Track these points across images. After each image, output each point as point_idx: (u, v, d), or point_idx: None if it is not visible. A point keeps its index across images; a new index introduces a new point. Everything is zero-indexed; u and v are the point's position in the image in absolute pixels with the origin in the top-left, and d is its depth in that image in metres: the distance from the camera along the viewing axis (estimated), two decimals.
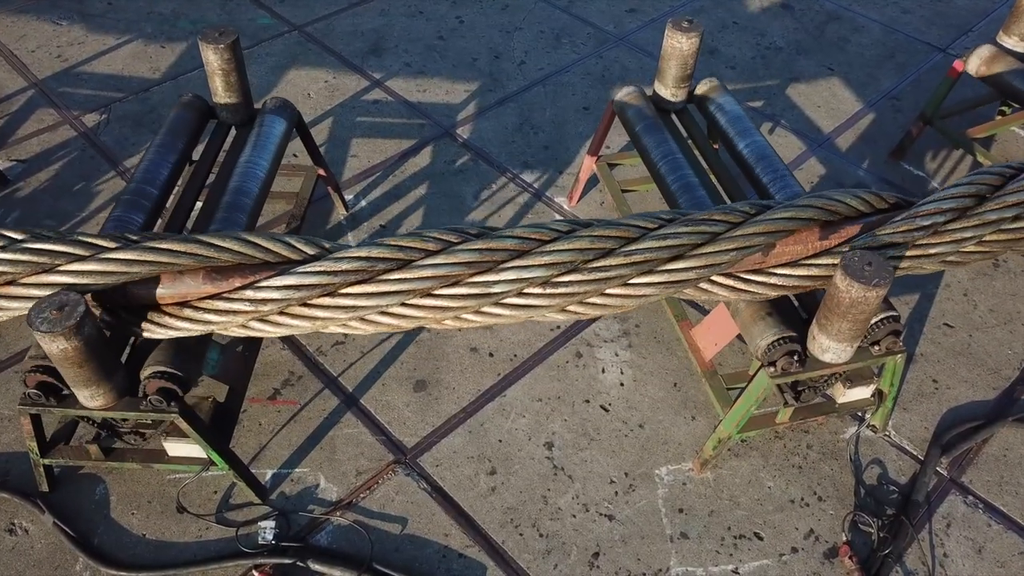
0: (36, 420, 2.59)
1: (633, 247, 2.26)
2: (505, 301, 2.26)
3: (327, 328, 2.27)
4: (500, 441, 3.03)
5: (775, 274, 2.42)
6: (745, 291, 2.41)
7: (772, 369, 2.59)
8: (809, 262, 2.42)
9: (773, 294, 2.43)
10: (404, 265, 2.23)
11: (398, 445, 3.01)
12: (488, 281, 2.22)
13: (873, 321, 2.64)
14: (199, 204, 3.19)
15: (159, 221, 2.97)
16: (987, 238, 2.46)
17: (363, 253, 2.22)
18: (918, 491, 2.88)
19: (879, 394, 2.93)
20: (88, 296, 2.25)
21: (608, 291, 2.28)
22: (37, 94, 4.48)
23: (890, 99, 4.66)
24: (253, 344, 3.03)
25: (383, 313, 2.25)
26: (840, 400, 2.90)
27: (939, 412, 3.16)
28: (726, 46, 5.02)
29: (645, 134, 3.31)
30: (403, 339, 3.35)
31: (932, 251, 2.42)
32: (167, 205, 3.13)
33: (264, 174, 3.05)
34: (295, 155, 4.15)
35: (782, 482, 2.93)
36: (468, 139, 4.30)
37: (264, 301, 2.21)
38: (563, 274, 2.23)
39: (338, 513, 2.80)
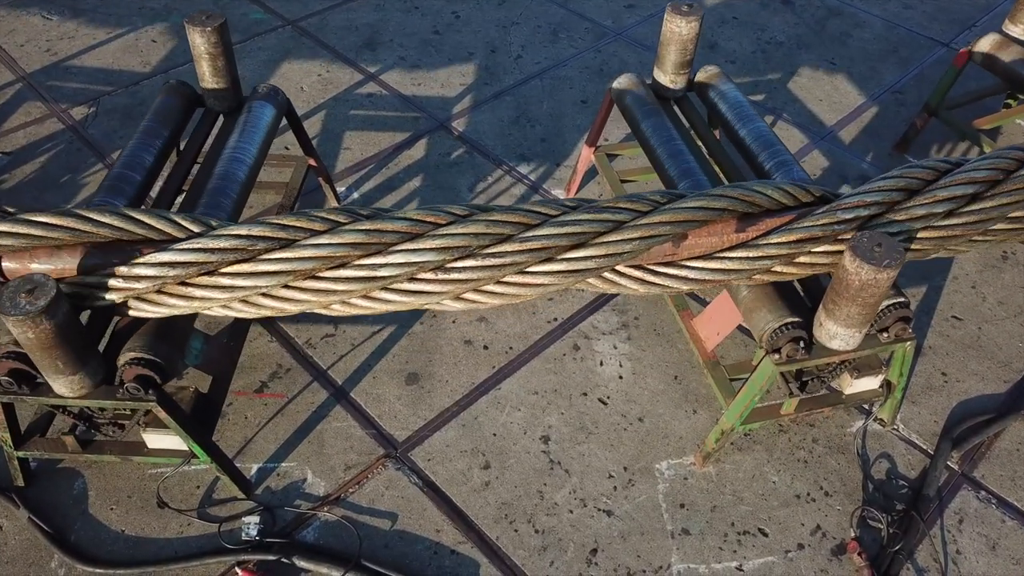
0: (9, 410, 2.48)
1: (531, 233, 2.15)
2: (395, 287, 2.16)
3: (209, 310, 2.18)
4: (494, 435, 2.93)
5: (688, 267, 2.29)
6: (656, 284, 2.28)
7: (777, 356, 2.49)
8: (724, 255, 2.28)
9: (685, 288, 2.30)
10: (287, 245, 2.13)
11: (389, 439, 2.90)
12: (375, 264, 2.12)
13: (881, 307, 2.55)
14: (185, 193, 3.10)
15: (142, 208, 2.87)
16: (919, 235, 2.35)
17: (243, 231, 2.12)
18: (929, 486, 2.77)
19: (887, 385, 2.83)
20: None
21: (506, 279, 2.18)
22: (25, 88, 4.40)
23: (893, 93, 4.58)
24: (239, 334, 2.93)
25: (266, 295, 2.15)
26: (847, 391, 2.80)
27: (949, 405, 3.06)
28: (726, 41, 4.94)
29: (644, 120, 3.22)
30: (395, 331, 3.25)
31: None
32: (151, 193, 3.05)
33: (251, 160, 2.96)
34: (287, 147, 4.06)
35: (787, 476, 2.83)
36: (463, 132, 4.22)
37: (138, 278, 2.12)
38: (457, 260, 2.13)
39: (325, 508, 2.69)
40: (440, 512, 2.70)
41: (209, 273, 2.13)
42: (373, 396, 3.03)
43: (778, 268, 2.33)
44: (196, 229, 2.19)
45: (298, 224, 2.16)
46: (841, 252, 2.32)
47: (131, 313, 2.21)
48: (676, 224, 2.22)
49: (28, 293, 2.04)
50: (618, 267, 2.27)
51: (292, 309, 2.18)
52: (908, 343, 2.60)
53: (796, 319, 2.48)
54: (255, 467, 2.80)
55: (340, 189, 3.85)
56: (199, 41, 3.06)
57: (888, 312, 2.54)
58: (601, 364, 3.16)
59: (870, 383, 2.78)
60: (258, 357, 3.14)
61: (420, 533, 2.65)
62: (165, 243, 2.17)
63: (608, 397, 3.05)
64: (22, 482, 2.68)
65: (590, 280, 2.27)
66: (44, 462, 2.77)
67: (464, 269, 2.14)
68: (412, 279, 2.15)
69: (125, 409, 2.50)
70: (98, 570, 2.51)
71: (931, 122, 4.06)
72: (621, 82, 3.42)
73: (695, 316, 3.03)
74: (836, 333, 2.44)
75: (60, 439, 2.58)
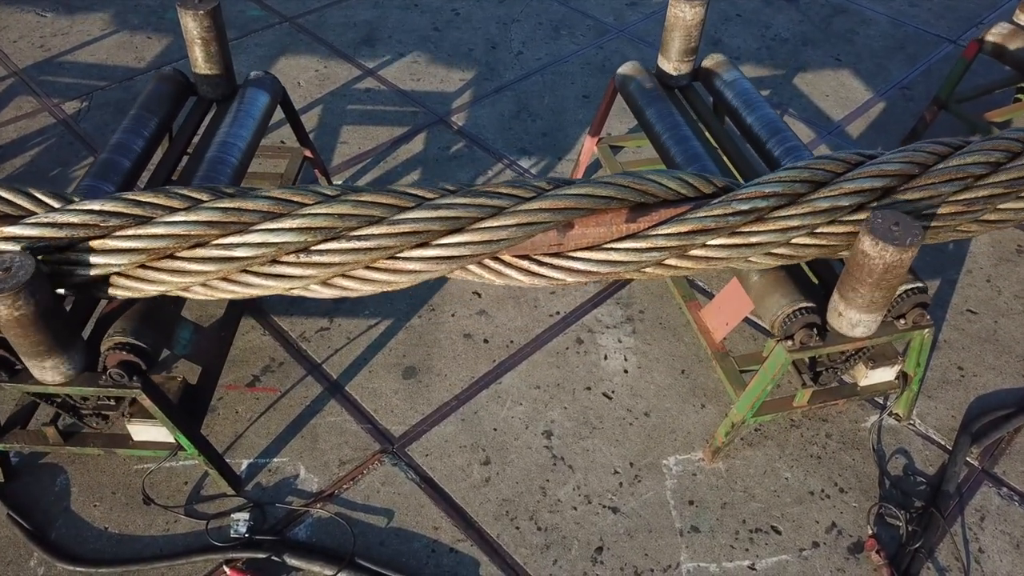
0: None
1: (403, 216, 2.04)
2: (257, 269, 2.05)
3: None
4: (495, 430, 2.81)
5: (575, 258, 2.16)
6: (542, 275, 2.16)
7: (790, 343, 2.38)
8: (612, 246, 2.15)
9: (570, 280, 2.17)
10: (143, 222, 2.03)
11: (385, 434, 2.79)
12: (231, 244, 2.01)
13: (898, 293, 2.44)
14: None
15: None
16: (822, 229, 2.22)
17: (95, 207, 2.02)
18: (948, 482, 2.65)
19: (903, 377, 2.72)
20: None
21: (377, 264, 2.07)
22: (17, 83, 4.32)
23: (901, 89, 4.50)
24: (230, 325, 2.82)
25: (120, 275, 2.05)
26: (862, 383, 2.69)
27: (966, 400, 2.95)
28: (730, 37, 4.87)
29: (648, 107, 3.13)
30: (392, 325, 3.14)
31: (754, 240, 2.17)
32: (141, 181, 2.96)
33: (244, 146, 2.87)
34: (283, 141, 3.98)
35: (800, 473, 2.71)
36: (463, 126, 4.13)
37: None
38: (322, 242, 2.03)
39: (318, 505, 2.58)
40: (438, 509, 2.59)
41: (61, 249, 2.03)
42: (369, 390, 2.92)
43: (671, 261, 2.18)
44: (55, 204, 2.08)
45: (155, 200, 2.05)
46: (738, 247, 2.19)
47: None
48: (558, 212, 2.09)
49: (5, 271, 1.94)
50: (503, 256, 2.16)
51: (150, 290, 2.07)
52: (926, 330, 2.50)
53: (810, 304, 2.38)
54: (245, 463, 2.69)
55: (337, 182, 3.75)
56: (192, 25, 2.98)
57: (905, 298, 2.44)
58: (605, 358, 3.05)
59: (886, 374, 2.67)
60: (250, 350, 3.03)
61: (417, 530, 2.53)
62: (17, 218, 2.06)
63: (613, 391, 2.94)
64: (1, 477, 2.57)
65: (472, 269, 2.15)
66: (25, 457, 2.66)
67: (329, 252, 2.02)
68: (274, 262, 2.04)
69: (109, 399, 2.39)
70: (79, 569, 2.39)
71: (941, 116, 3.97)
72: (625, 69, 3.34)
73: (702, 307, 2.93)
74: (852, 319, 2.34)
75: (41, 431, 2.47)
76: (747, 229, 2.18)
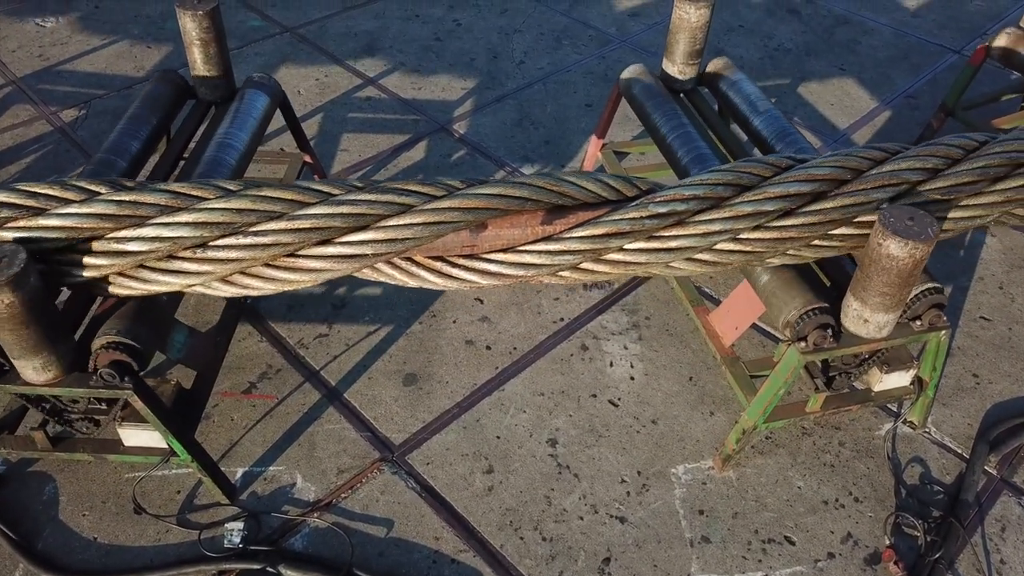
0: None
1: (304, 212, 1.97)
2: (152, 264, 2.00)
3: None
4: (498, 438, 2.73)
5: (489, 260, 2.09)
6: (455, 277, 2.10)
7: (803, 345, 2.31)
8: (526, 249, 2.07)
9: (484, 282, 2.10)
10: (38, 213, 1.98)
11: (385, 442, 2.71)
12: (125, 238, 1.96)
13: (913, 294, 2.38)
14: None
15: None
16: (746, 235, 2.13)
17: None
18: (966, 491, 2.57)
19: (918, 382, 2.64)
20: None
21: (278, 262, 2.00)
22: (14, 91, 4.27)
23: (906, 97, 4.46)
24: (226, 330, 2.75)
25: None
26: (876, 388, 2.61)
27: (982, 407, 2.87)
28: (733, 47, 4.84)
29: (654, 109, 3.08)
30: (392, 331, 3.07)
31: (673, 244, 2.09)
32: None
33: (242, 147, 2.81)
34: (282, 149, 3.93)
35: (813, 482, 2.62)
36: (465, 134, 4.08)
37: None
38: (219, 238, 1.97)
39: (315, 514, 2.49)
40: (439, 519, 2.50)
41: None
42: (368, 398, 2.84)
43: (587, 265, 2.11)
44: None
45: (50, 192, 2.00)
46: (656, 251, 2.11)
47: None
48: (467, 211, 2.02)
49: None
50: (416, 257, 2.10)
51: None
52: (943, 332, 2.43)
53: (822, 304, 2.31)
54: (240, 471, 2.60)
55: None
56: (190, 26, 2.94)
57: (921, 298, 2.37)
58: (611, 365, 2.97)
59: (901, 379, 2.60)
60: (247, 357, 2.95)
61: (418, 541, 2.44)
62: None
63: (619, 399, 2.86)
64: None
65: (382, 269, 2.08)
66: (13, 464, 2.57)
67: (227, 248, 1.96)
68: (171, 257, 1.99)
69: (99, 402, 2.31)
70: None
71: (948, 123, 3.92)
72: (629, 72, 3.29)
73: (710, 312, 2.86)
74: (868, 319, 2.27)
75: (29, 436, 2.39)
76: (666, 233, 2.09)
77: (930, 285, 2.38)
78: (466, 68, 4.59)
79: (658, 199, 2.09)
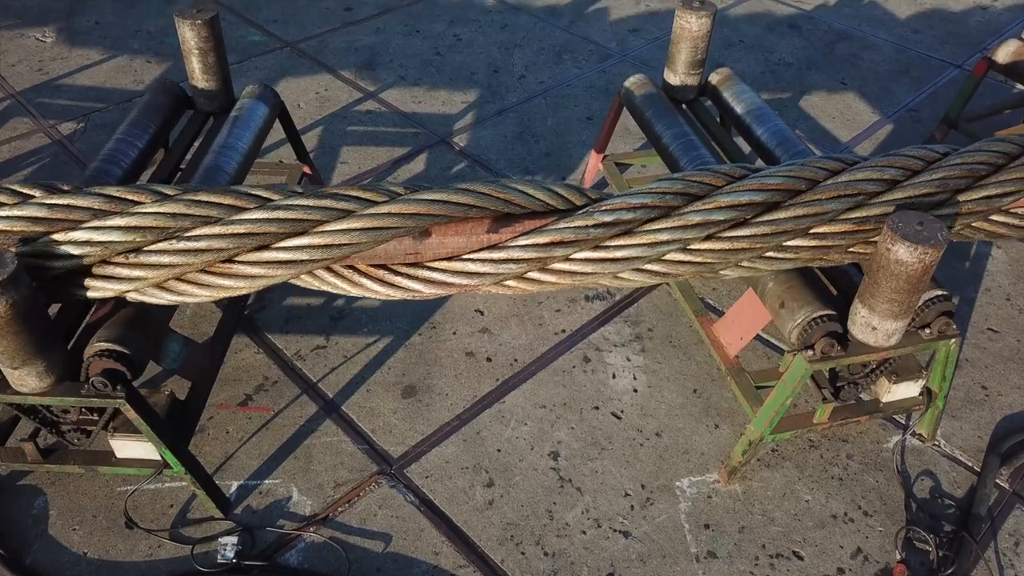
0: None
1: (240, 217, 1.94)
2: (85, 269, 1.97)
3: None
4: (499, 451, 2.67)
5: (433, 268, 2.05)
6: (396, 286, 2.05)
7: (810, 353, 2.26)
8: (470, 257, 2.03)
9: (427, 291, 2.05)
10: None
11: (383, 455, 2.65)
12: (57, 241, 1.94)
13: (921, 302, 2.33)
14: None
15: None
16: (696, 246, 2.07)
17: None
18: (979, 504, 2.51)
19: (927, 393, 2.59)
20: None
21: (214, 268, 1.97)
22: (13, 105, 4.26)
23: (908, 111, 4.45)
24: (222, 340, 2.70)
25: None
26: (885, 398, 2.56)
27: (993, 420, 2.81)
28: (733, 62, 4.84)
29: (655, 119, 3.06)
30: (391, 343, 3.02)
31: (620, 254, 2.04)
32: None
33: (241, 155, 2.78)
34: (281, 160, 3.90)
35: (821, 495, 2.56)
36: (465, 147, 4.06)
37: None
38: (154, 242, 1.93)
39: (312, 529, 2.43)
40: (439, 533, 2.44)
41: None
42: (367, 410, 2.79)
43: (534, 275, 2.06)
44: None
45: None
46: (602, 261, 2.06)
47: None
48: (408, 218, 1.97)
49: None
50: (358, 265, 2.06)
51: None
52: (952, 341, 2.38)
53: (830, 311, 2.27)
54: (235, 484, 2.54)
55: None
56: (189, 35, 2.92)
57: (929, 306, 2.33)
58: (614, 377, 2.92)
59: (910, 390, 2.55)
60: (243, 369, 2.90)
61: (416, 556, 2.38)
62: None
63: (622, 411, 2.81)
64: None
65: (324, 276, 2.05)
66: (3, 478, 2.51)
67: (161, 253, 1.93)
68: (104, 262, 1.95)
69: (91, 412, 2.26)
70: None
71: (951, 135, 3.90)
72: (631, 82, 3.27)
73: (714, 322, 2.81)
74: (875, 327, 2.22)
75: (19, 447, 2.33)
76: (613, 243, 2.04)
77: (938, 293, 2.34)
78: (467, 82, 4.58)
79: (604, 208, 2.04)
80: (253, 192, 2.01)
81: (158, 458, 2.30)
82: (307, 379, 2.88)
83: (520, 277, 2.07)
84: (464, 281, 2.05)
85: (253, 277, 1.97)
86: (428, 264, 2.06)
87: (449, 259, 2.05)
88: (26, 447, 2.31)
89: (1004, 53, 3.60)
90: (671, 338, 3.07)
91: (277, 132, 3.26)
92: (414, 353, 2.99)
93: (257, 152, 2.92)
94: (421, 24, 5.14)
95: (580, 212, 2.06)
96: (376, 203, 2.00)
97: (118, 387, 2.09)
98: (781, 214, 2.09)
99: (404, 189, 2.05)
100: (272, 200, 1.99)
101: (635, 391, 2.88)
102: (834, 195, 2.12)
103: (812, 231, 2.13)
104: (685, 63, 3.16)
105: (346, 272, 2.06)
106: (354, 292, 2.07)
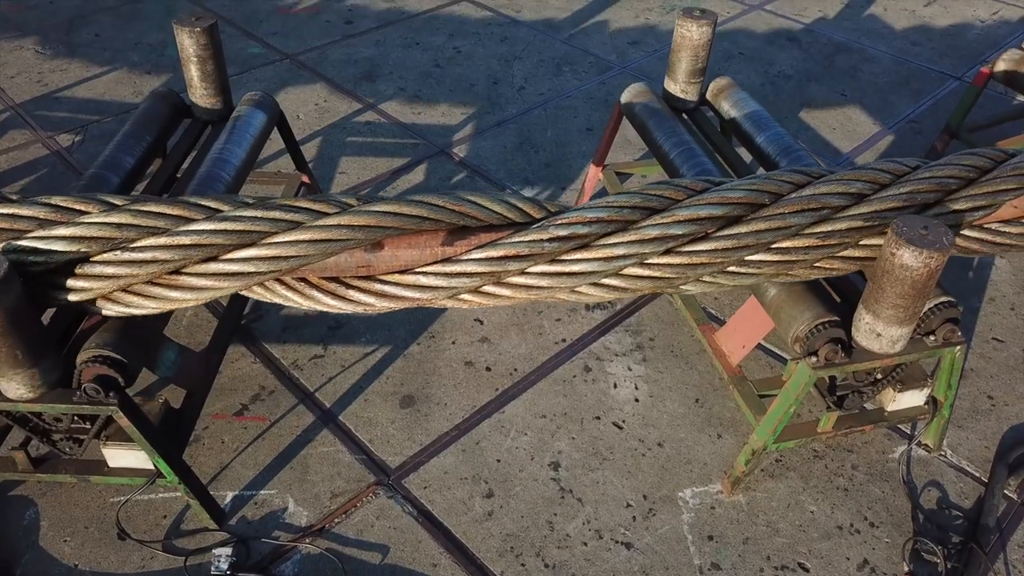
0: None
1: (186, 228, 1.92)
2: (30, 280, 1.95)
3: None
4: (498, 461, 2.63)
5: (385, 282, 2.01)
6: (348, 299, 2.02)
7: (814, 359, 2.23)
8: (423, 271, 1.99)
9: (379, 305, 2.01)
10: None
11: (381, 465, 2.61)
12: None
13: (926, 308, 2.30)
14: None
15: None
16: (654, 260, 2.03)
17: None
18: (987, 515, 2.46)
19: (933, 402, 2.55)
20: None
21: (161, 280, 1.95)
22: (11, 116, 4.25)
23: (909, 122, 4.44)
24: (218, 348, 2.67)
25: None
26: (890, 407, 2.52)
27: (999, 430, 2.77)
28: (733, 74, 4.83)
29: (656, 128, 3.04)
30: (389, 352, 2.99)
31: (576, 268, 2.00)
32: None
33: (238, 163, 2.76)
34: (279, 170, 3.88)
35: (826, 506, 2.52)
36: (465, 157, 4.05)
37: None
38: (99, 253, 1.91)
39: (308, 540, 2.38)
40: (437, 544, 2.39)
41: None
42: (364, 420, 2.75)
43: (489, 289, 2.03)
44: None
45: None
46: (556, 275, 2.02)
47: None
48: (358, 229, 1.94)
49: None
50: (310, 278, 2.03)
51: None
52: (958, 348, 2.35)
53: (833, 318, 2.24)
54: (230, 495, 2.50)
55: None
56: (187, 43, 2.91)
57: (934, 313, 2.30)
58: (615, 387, 2.89)
59: (915, 398, 2.51)
60: (239, 378, 2.87)
61: (414, 567, 2.33)
62: None
63: (623, 421, 2.77)
64: None
65: (275, 288, 2.02)
66: None
67: (106, 264, 1.91)
68: (48, 272, 1.93)
69: (83, 420, 2.22)
70: None
71: (952, 144, 3.89)
72: (631, 91, 3.26)
73: (717, 330, 2.78)
74: (880, 333, 2.19)
75: (10, 456, 2.29)
76: (568, 257, 2.00)
77: (944, 299, 2.31)
78: (466, 93, 4.57)
79: (559, 221, 2.01)
80: (202, 203, 1.99)
81: (151, 467, 2.26)
82: (304, 389, 2.84)
83: (475, 291, 2.04)
84: (417, 295, 2.01)
85: (201, 289, 1.95)
86: (380, 277, 2.03)
87: (402, 272, 2.02)
88: (17, 456, 2.27)
89: (1005, 63, 3.59)
90: (673, 347, 3.04)
91: (277, 142, 3.25)
92: (412, 363, 2.96)
93: (254, 160, 2.90)
94: (421, 37, 5.14)
95: (535, 226, 2.02)
96: (326, 215, 1.97)
97: (111, 394, 2.05)
98: (742, 228, 2.05)
99: (357, 201, 2.03)
100: (221, 211, 1.97)
101: (636, 401, 2.84)
102: (798, 209, 2.08)
103: (775, 246, 2.09)
104: (686, 72, 3.15)
105: (298, 285, 2.04)
106: (306, 305, 2.04)
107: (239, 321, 2.93)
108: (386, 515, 2.46)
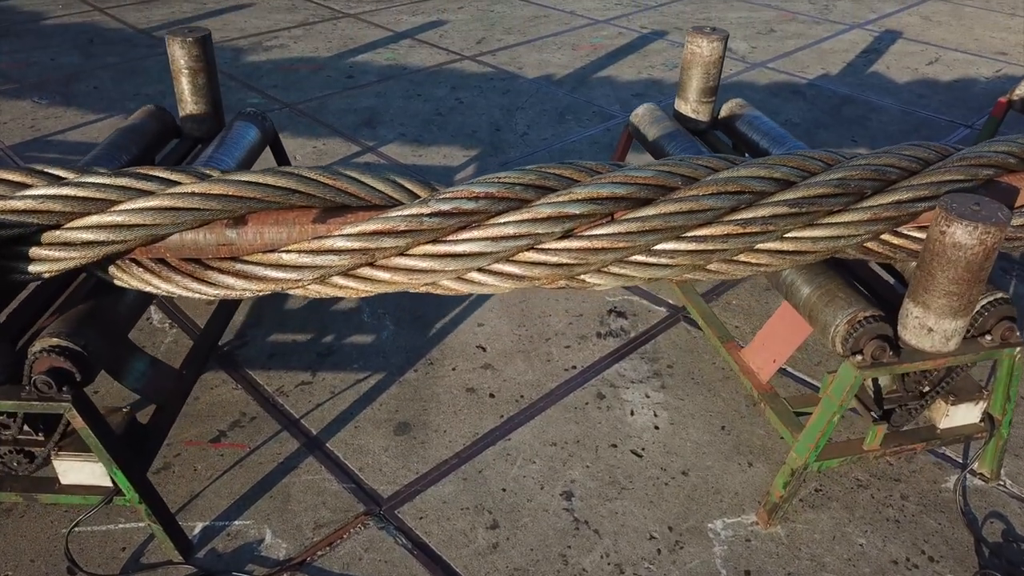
0: None
1: (22, 194, 1.77)
2: None
3: None
4: (504, 490, 2.34)
5: (249, 262, 1.84)
6: (207, 281, 1.85)
7: (859, 358, 1.99)
8: (287, 250, 1.82)
9: (240, 286, 1.84)
10: None
11: (371, 494, 2.32)
12: None
13: (979, 306, 2.08)
14: None
15: None
16: (551, 244, 1.84)
17: None
18: None
19: (989, 420, 2.29)
20: None
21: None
22: (0, 157, 4.13)
23: None
24: (194, 363, 2.43)
25: None
26: (942, 424, 2.26)
27: None
28: None
29: (667, 143, 2.89)
30: (383, 379, 2.73)
31: (461, 249, 1.82)
32: None
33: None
34: None
35: (877, 539, 2.22)
36: None
37: None
38: None
39: (285, 574, 2.07)
40: None
41: None
42: (354, 447, 2.47)
43: (365, 272, 1.85)
44: None
45: None
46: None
47: None
48: (214, 199, 1.77)
49: None
50: (168, 259, 1.87)
51: None
52: (1017, 349, 2.11)
53: (878, 312, 2.01)
54: (200, 525, 2.20)
55: None
56: (179, 54, 2.80)
57: (988, 310, 2.07)
58: (632, 414, 2.62)
59: (970, 414, 2.25)
60: (218, 404, 2.60)
61: None
62: None
63: (643, 449, 2.49)
64: None
65: (130, 269, 1.86)
66: None
67: None
68: None
69: (35, 431, 1.96)
70: None
71: None
72: (640, 112, 3.14)
73: (743, 348, 2.54)
74: (932, 328, 1.96)
75: None
76: (454, 237, 1.82)
77: (997, 295, 2.09)
78: (468, 139, 4.47)
79: (443, 196, 1.82)
80: (48, 170, 1.84)
81: (109, 484, 1.98)
82: (289, 415, 2.58)
83: (347, 274, 1.85)
84: (282, 275, 1.82)
85: (40, 260, 1.78)
86: (243, 258, 1.85)
87: (269, 252, 1.83)
88: None
89: (1023, 92, 3.49)
90: (693, 375, 2.79)
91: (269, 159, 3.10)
92: (408, 389, 2.70)
93: None
94: (423, 89, 5.10)
95: (416, 201, 1.84)
96: (180, 184, 1.80)
97: (64, 388, 1.80)
98: (649, 211, 1.86)
99: (221, 172, 1.87)
100: (65, 178, 1.81)
101: (656, 428, 2.57)
102: (714, 191, 1.89)
103: (688, 234, 1.89)
104: (697, 90, 3.03)
105: (155, 266, 1.87)
106: (164, 289, 1.85)
107: (217, 339, 2.69)
108: (376, 547, 2.16)
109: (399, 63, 5.51)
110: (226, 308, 2.73)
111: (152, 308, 3.04)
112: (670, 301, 3.15)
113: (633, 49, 5.89)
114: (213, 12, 6.47)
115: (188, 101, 2.88)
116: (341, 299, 3.12)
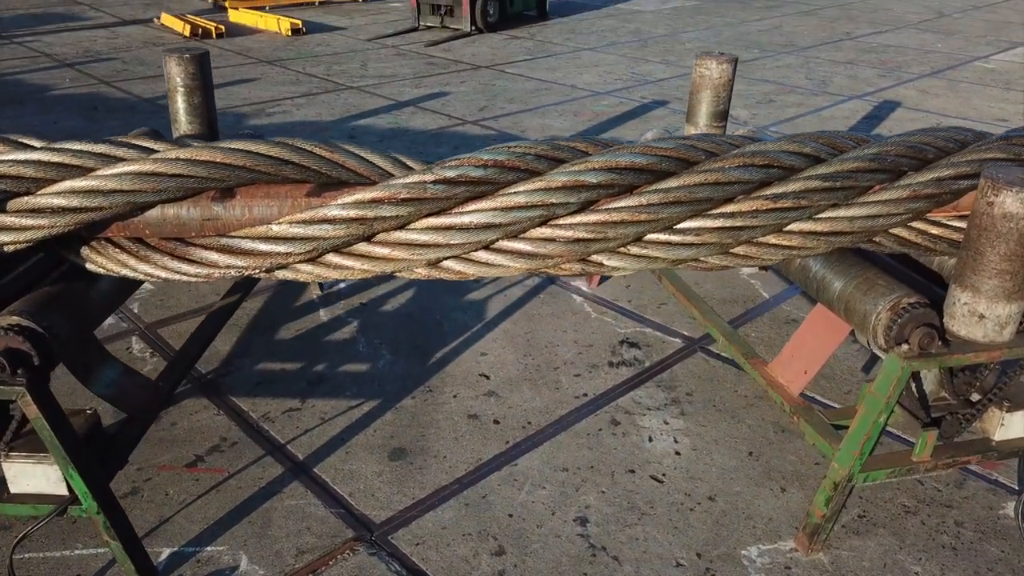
0: None
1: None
2: None
3: None
4: (510, 516, 2.09)
5: (234, 237, 1.71)
6: (191, 259, 1.71)
7: (905, 348, 1.79)
8: (275, 225, 1.67)
9: (224, 263, 1.69)
10: None
11: (362, 520, 2.07)
12: None
13: None
14: None
15: None
16: (567, 220, 1.71)
17: None
18: None
19: None
20: None
21: None
22: None
23: None
24: (171, 377, 2.23)
25: None
26: (997, 436, 2.03)
27: None
28: None
29: None
30: (378, 406, 2.52)
31: (467, 220, 1.70)
32: None
33: None
34: None
35: (934, 567, 1.96)
36: None
37: None
38: None
39: None
40: None
41: None
42: (344, 472, 2.23)
43: (361, 248, 1.71)
44: None
45: None
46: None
47: None
48: (199, 165, 1.64)
49: None
50: (148, 239, 1.74)
51: None
52: None
53: (922, 298, 1.83)
54: (167, 551, 1.95)
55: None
56: (175, 71, 2.72)
57: None
58: (650, 440, 2.39)
59: None
60: (197, 430, 2.38)
61: None
62: None
63: (663, 474, 2.26)
64: None
65: (106, 251, 1.72)
66: None
67: None
68: None
69: None
70: None
71: None
72: (649, 138, 3.04)
73: (769, 363, 2.34)
74: (984, 314, 1.77)
75: None
76: (460, 209, 1.68)
77: None
78: None
79: (448, 163, 1.68)
80: (22, 140, 1.74)
81: (64, 491, 1.74)
82: (274, 440, 2.35)
83: (340, 250, 1.69)
84: (270, 248, 1.66)
85: (8, 229, 1.63)
86: (232, 234, 1.70)
87: (256, 225, 1.69)
88: None
89: None
90: (714, 402, 2.57)
91: None
92: (405, 415, 2.48)
93: None
94: (425, 148, 5.06)
95: (420, 168, 1.70)
96: (159, 152, 1.67)
97: (19, 372, 1.60)
98: (672, 183, 1.72)
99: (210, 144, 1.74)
100: (36, 147, 1.70)
101: (678, 454, 2.34)
102: (741, 163, 1.76)
103: (715, 210, 1.74)
104: (707, 115, 2.95)
105: (132, 246, 1.72)
106: (141, 269, 1.70)
107: (199, 353, 2.48)
108: (366, 573, 1.89)
109: (401, 126, 5.51)
110: (211, 322, 2.55)
111: (133, 338, 2.85)
112: (685, 332, 2.96)
113: (634, 115, 5.92)
114: (217, 85, 6.53)
115: (183, 121, 2.78)
116: (333, 328, 2.93)
